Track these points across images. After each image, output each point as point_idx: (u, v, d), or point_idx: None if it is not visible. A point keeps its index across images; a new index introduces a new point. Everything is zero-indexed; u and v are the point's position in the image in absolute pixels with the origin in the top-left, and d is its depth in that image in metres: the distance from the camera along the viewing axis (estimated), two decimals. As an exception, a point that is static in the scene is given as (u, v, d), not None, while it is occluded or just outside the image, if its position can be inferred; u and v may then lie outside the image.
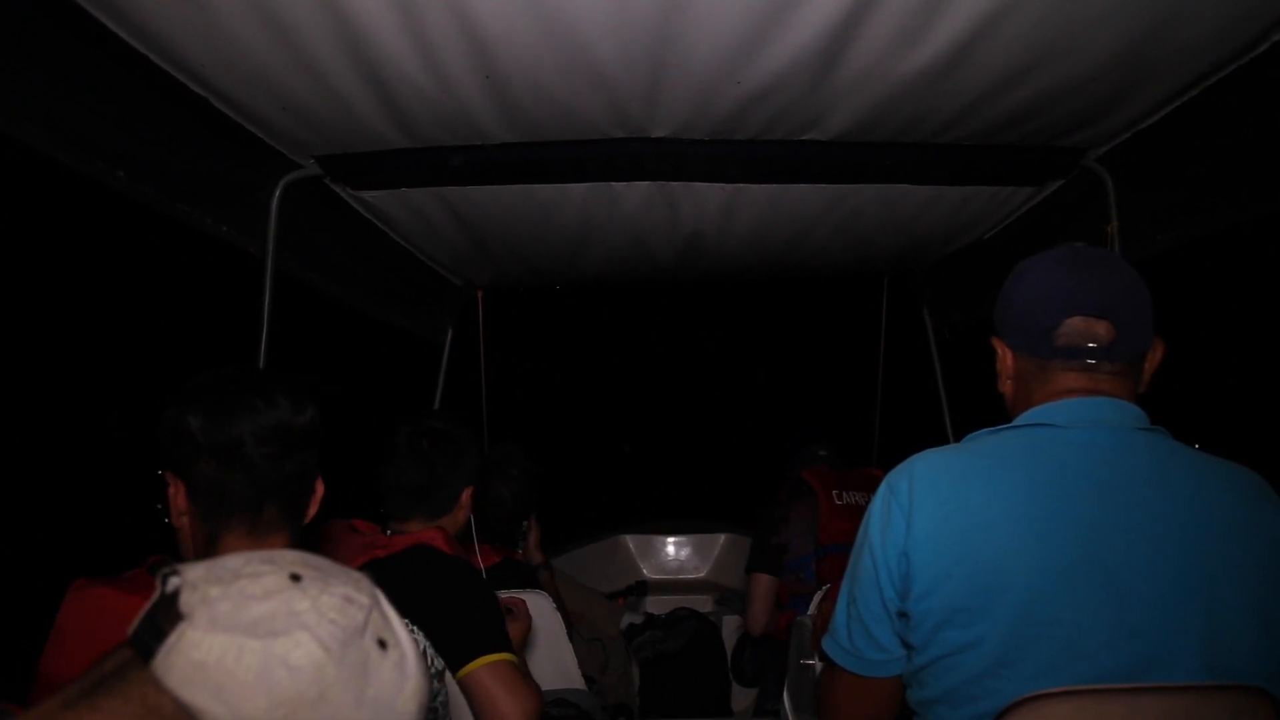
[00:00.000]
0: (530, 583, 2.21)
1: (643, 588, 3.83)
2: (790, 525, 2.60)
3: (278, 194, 2.06)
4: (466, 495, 1.88)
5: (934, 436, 3.21)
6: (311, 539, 1.70)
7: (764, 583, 2.67)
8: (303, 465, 1.11)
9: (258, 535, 1.09)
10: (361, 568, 1.69)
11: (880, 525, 1.11)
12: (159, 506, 1.14)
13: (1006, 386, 1.20)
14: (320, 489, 1.18)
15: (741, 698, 3.55)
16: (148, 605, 0.51)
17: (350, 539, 1.72)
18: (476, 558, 1.82)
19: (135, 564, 1.17)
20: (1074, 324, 1.10)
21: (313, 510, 1.18)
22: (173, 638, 0.49)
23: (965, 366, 3.16)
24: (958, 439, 1.18)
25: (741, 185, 2.19)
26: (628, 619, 3.58)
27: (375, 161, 2.01)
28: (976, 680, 1.03)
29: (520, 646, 1.68)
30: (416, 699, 0.55)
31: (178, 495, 1.10)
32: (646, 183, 2.20)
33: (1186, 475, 1.05)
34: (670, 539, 4.42)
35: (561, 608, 2.71)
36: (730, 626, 3.67)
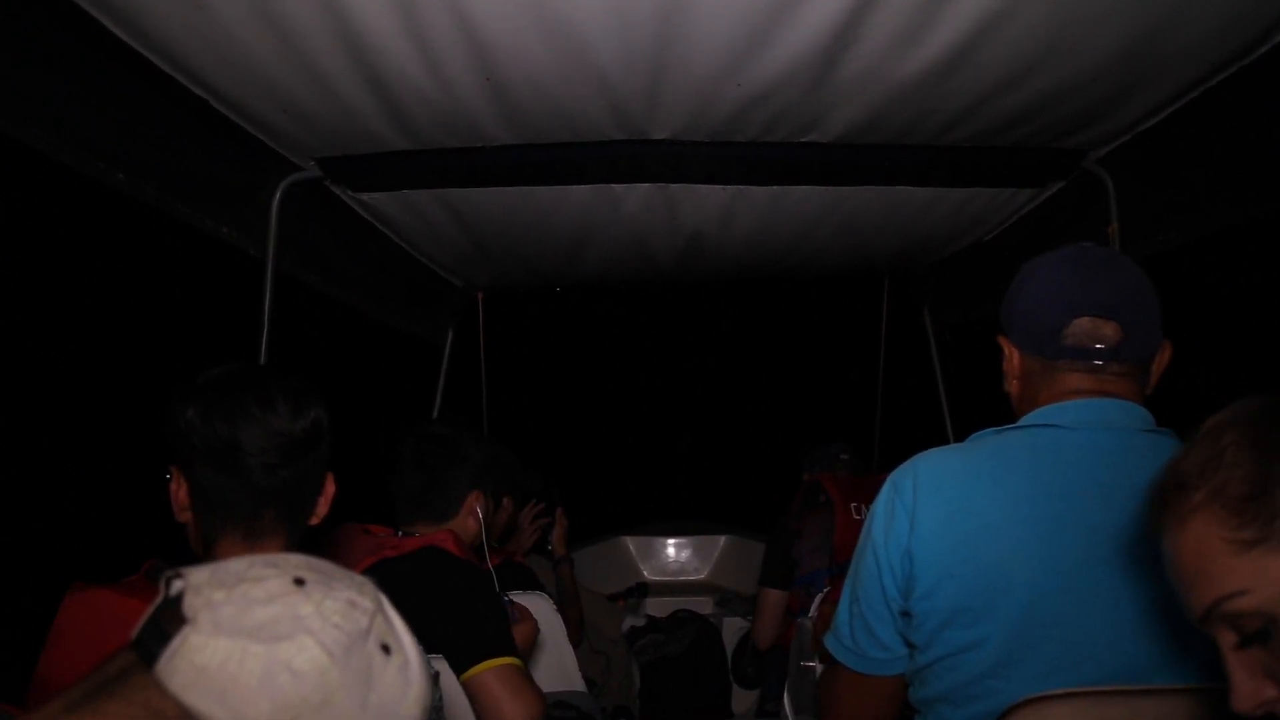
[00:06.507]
0: (530, 585, 2.21)
1: (643, 589, 3.83)
2: (804, 539, 2.55)
3: (278, 196, 2.06)
4: (473, 499, 1.87)
5: (935, 438, 3.21)
6: (323, 541, 1.70)
7: (773, 598, 2.66)
8: (302, 471, 1.09)
9: (254, 540, 1.08)
10: (370, 568, 1.68)
11: (884, 524, 1.11)
12: (160, 508, 1.14)
13: (1012, 386, 1.20)
14: (331, 488, 1.17)
15: (742, 699, 3.55)
16: (151, 608, 0.51)
17: (362, 541, 1.72)
18: (488, 564, 1.82)
19: (134, 565, 1.17)
20: (1081, 324, 1.10)
21: (323, 509, 1.16)
22: (176, 641, 0.49)
23: (966, 368, 3.16)
24: (958, 441, 1.18)
25: (742, 187, 2.19)
26: (629, 621, 3.58)
27: (376, 163, 2.01)
28: (979, 680, 1.03)
29: (526, 651, 1.68)
30: (420, 704, 0.54)
31: (179, 491, 1.09)
32: (647, 184, 2.20)
33: (1189, 477, 1.05)
34: (670, 540, 4.41)
35: (577, 607, 2.72)
36: (731, 628, 3.67)
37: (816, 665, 2.00)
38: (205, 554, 1.10)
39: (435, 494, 1.84)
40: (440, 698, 1.35)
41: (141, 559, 1.17)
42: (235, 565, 0.53)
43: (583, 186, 2.20)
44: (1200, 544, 0.65)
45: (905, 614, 1.10)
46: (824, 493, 2.48)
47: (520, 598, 2.01)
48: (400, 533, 1.80)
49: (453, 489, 1.86)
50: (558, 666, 2.14)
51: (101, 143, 1.57)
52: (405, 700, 0.53)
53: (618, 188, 2.22)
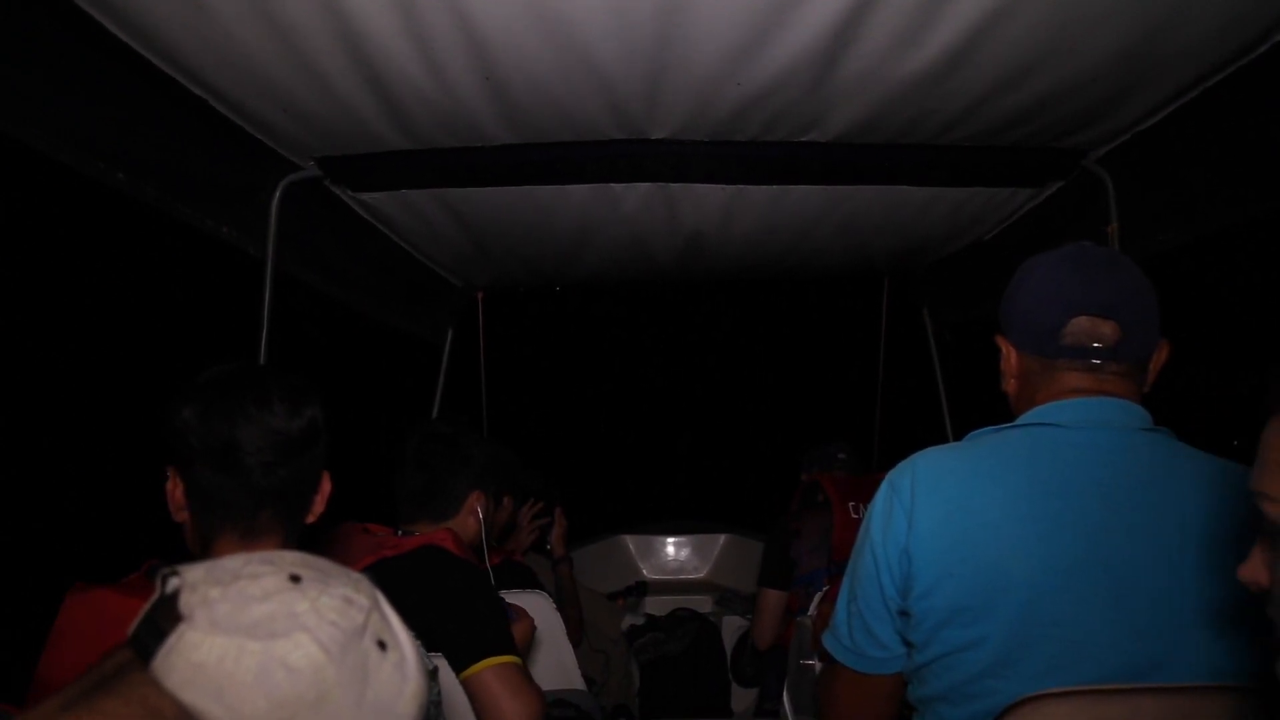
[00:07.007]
0: (530, 584, 2.22)
1: (643, 588, 3.83)
2: (802, 539, 2.55)
3: (278, 195, 2.06)
4: (474, 499, 1.88)
5: (934, 437, 3.20)
6: (323, 540, 1.70)
7: (773, 598, 2.65)
8: (299, 470, 1.10)
9: (251, 539, 1.08)
10: (370, 567, 1.68)
11: (882, 523, 1.11)
12: (159, 507, 1.14)
13: (1010, 385, 1.20)
14: (327, 486, 1.17)
15: (742, 698, 3.55)
16: (147, 606, 0.51)
17: (361, 540, 1.73)
18: (487, 564, 1.83)
19: (134, 565, 1.17)
20: (1080, 324, 1.09)
21: (319, 508, 1.17)
22: (172, 639, 0.49)
23: (965, 367, 3.16)
24: (957, 440, 1.18)
25: (741, 186, 2.19)
26: (628, 620, 3.58)
27: (375, 163, 2.02)
28: (977, 679, 1.03)
29: (523, 649, 1.69)
30: (416, 700, 0.54)
31: (176, 491, 1.10)
32: (646, 184, 2.20)
33: (1188, 476, 1.05)
34: (670, 539, 4.41)
35: (576, 606, 2.72)
36: (730, 627, 3.67)
37: (816, 664, 2.00)
38: (203, 553, 1.10)
39: (437, 493, 1.85)
40: (439, 693, 1.35)
41: (142, 559, 1.17)
42: (231, 563, 0.53)
43: (582, 186, 2.20)
44: (1274, 437, 0.69)
45: (903, 613, 1.10)
46: (822, 492, 2.47)
47: (519, 597, 2.01)
48: (400, 531, 1.81)
49: (454, 488, 1.86)
50: (557, 665, 2.14)
51: (101, 143, 1.57)
52: (401, 697, 0.54)
53: (617, 187, 2.22)
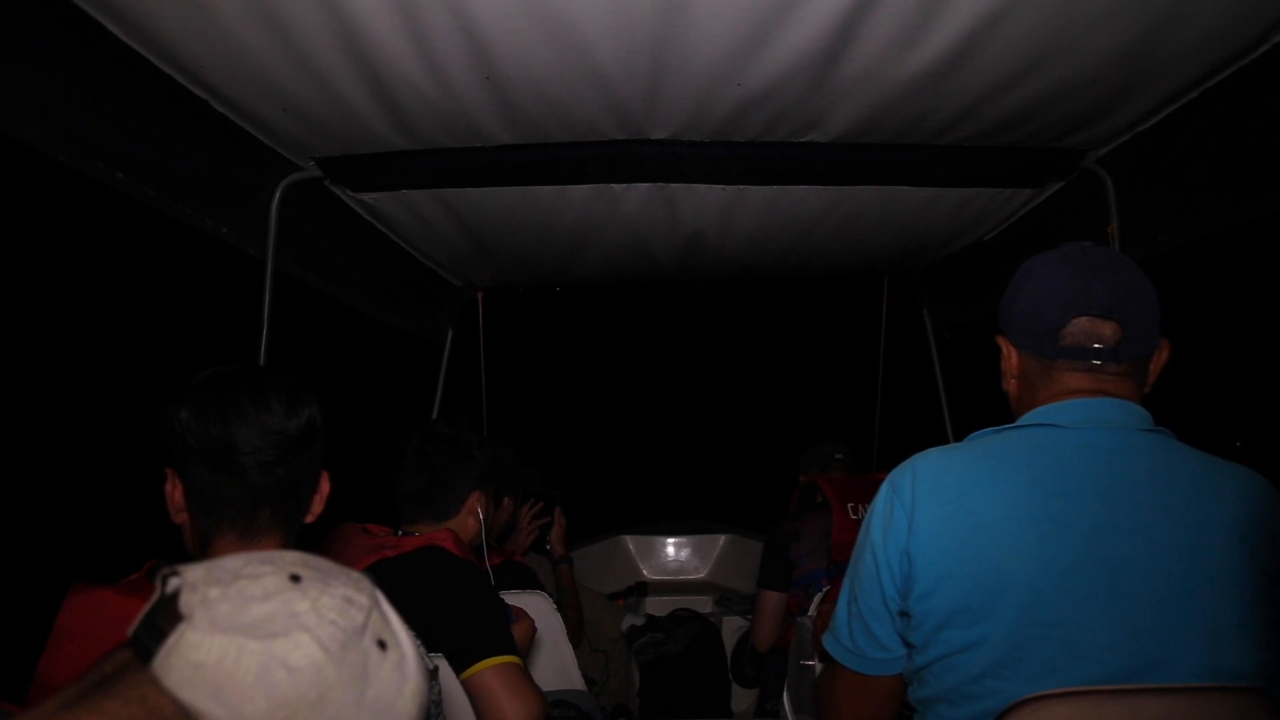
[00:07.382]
0: (531, 584, 2.22)
1: (643, 589, 3.83)
2: (801, 541, 2.54)
3: (278, 195, 2.06)
4: (474, 499, 1.88)
5: (934, 437, 3.21)
6: (322, 540, 1.70)
7: (772, 600, 2.65)
8: (297, 469, 1.09)
9: (249, 538, 1.08)
10: (370, 567, 1.68)
11: (882, 524, 1.11)
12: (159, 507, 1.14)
13: (1010, 385, 1.20)
14: (326, 487, 1.17)
15: (742, 698, 3.55)
16: (147, 606, 0.51)
17: (360, 540, 1.72)
18: (486, 564, 1.83)
19: (134, 565, 1.17)
20: (1080, 324, 1.09)
21: (318, 509, 1.17)
22: (172, 639, 0.49)
23: (965, 367, 3.16)
24: (958, 440, 1.18)
25: (742, 186, 2.19)
26: (629, 621, 3.58)
27: (375, 163, 2.02)
28: (978, 680, 1.03)
29: (524, 650, 1.69)
30: (416, 699, 0.54)
31: (175, 492, 1.10)
32: (646, 184, 2.20)
33: (1189, 476, 1.05)
34: (670, 540, 4.42)
35: (576, 606, 2.72)
36: (730, 627, 3.67)
37: (816, 664, 2.00)
38: (202, 554, 1.10)
39: (438, 493, 1.85)
40: (439, 693, 1.35)
41: (142, 559, 1.17)
42: (231, 562, 0.53)
43: (582, 186, 2.21)
44: None
45: (904, 614, 1.10)
46: (821, 493, 2.46)
47: (520, 597, 2.01)
48: (400, 532, 1.81)
49: (456, 488, 1.86)
50: (557, 666, 2.14)
51: (101, 142, 1.57)
52: (401, 696, 0.54)
53: (617, 187, 2.22)
